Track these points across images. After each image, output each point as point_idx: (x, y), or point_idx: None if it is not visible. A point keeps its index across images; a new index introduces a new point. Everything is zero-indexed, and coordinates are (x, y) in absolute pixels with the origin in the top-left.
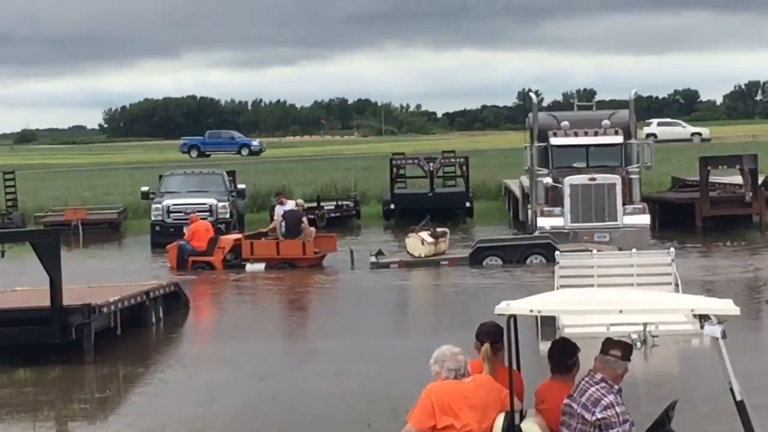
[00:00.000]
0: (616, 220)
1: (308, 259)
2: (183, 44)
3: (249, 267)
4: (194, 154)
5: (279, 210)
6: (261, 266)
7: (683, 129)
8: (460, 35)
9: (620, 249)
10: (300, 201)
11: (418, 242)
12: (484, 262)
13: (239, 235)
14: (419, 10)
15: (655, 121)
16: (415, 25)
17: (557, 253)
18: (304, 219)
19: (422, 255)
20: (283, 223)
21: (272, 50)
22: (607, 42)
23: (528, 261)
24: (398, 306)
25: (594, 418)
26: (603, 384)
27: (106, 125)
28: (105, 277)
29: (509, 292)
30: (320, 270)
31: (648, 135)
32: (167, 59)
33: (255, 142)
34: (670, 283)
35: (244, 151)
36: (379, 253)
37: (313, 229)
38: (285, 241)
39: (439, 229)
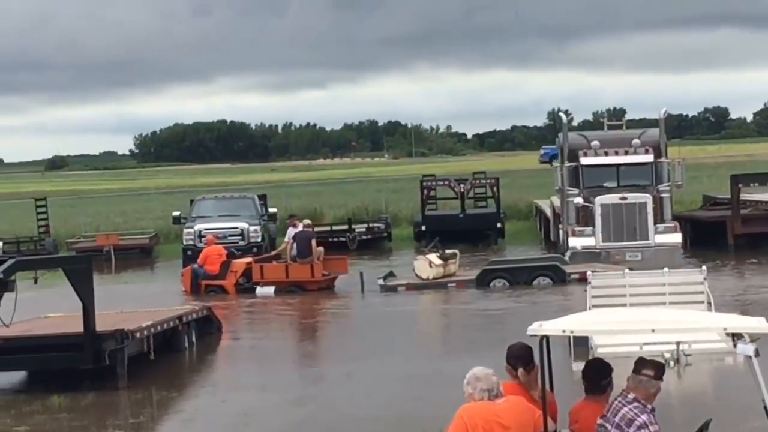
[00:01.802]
0: (647, 239)
1: (317, 282)
2: (215, 69)
3: (259, 291)
4: (555, 163)
5: (291, 232)
6: (270, 290)
7: None
8: (490, 56)
9: (631, 269)
10: (307, 221)
11: (426, 264)
12: (491, 284)
13: (251, 259)
14: (450, 32)
15: None
16: (445, 47)
17: (589, 272)
18: (313, 241)
19: (430, 277)
20: (295, 245)
21: (304, 73)
22: (637, 61)
23: (535, 282)
24: (421, 328)
25: None
26: (636, 403)
27: (136, 150)
28: (137, 303)
29: (526, 312)
30: (332, 294)
31: None
32: (199, 84)
33: None
34: (702, 302)
35: None
36: (390, 275)
37: (321, 249)
38: (294, 264)
39: (448, 251)
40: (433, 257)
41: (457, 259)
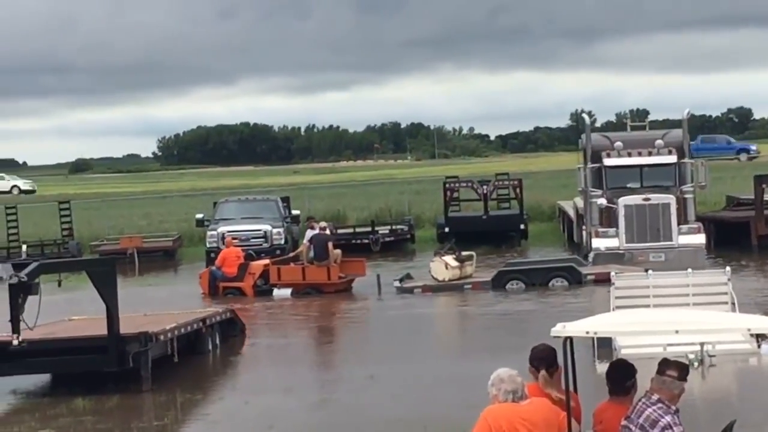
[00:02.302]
0: (671, 240)
1: (334, 284)
2: (238, 71)
3: (276, 292)
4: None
5: (309, 234)
6: (287, 292)
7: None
8: (514, 57)
9: (648, 270)
10: (324, 224)
11: (442, 266)
12: (507, 286)
13: (268, 261)
14: (473, 33)
15: None
16: (469, 48)
17: (613, 273)
18: (330, 243)
19: (446, 279)
20: (312, 247)
21: (327, 75)
22: (661, 61)
23: (550, 284)
24: (442, 330)
25: None
26: (660, 405)
27: (159, 153)
28: (161, 305)
29: (547, 314)
30: (350, 296)
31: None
32: (222, 86)
33: (753, 147)
34: (726, 303)
35: (742, 156)
36: (407, 276)
37: (339, 252)
38: (310, 267)
39: (464, 253)
40: (449, 259)
41: (474, 260)
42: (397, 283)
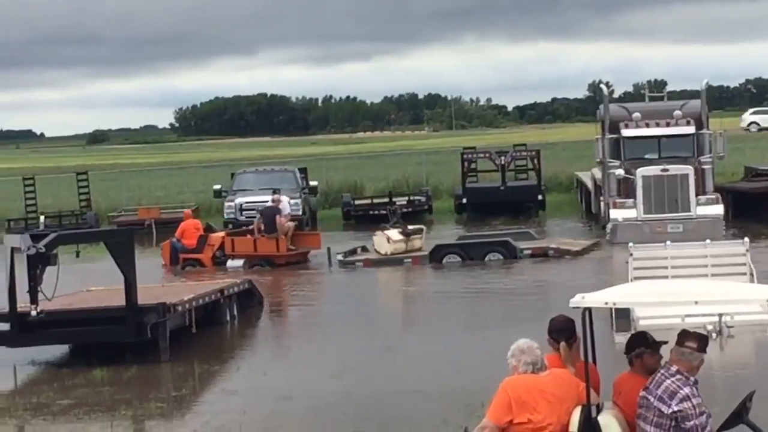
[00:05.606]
0: (689, 210)
1: (284, 256)
2: (260, 42)
3: (230, 263)
4: None
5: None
6: (240, 263)
7: None
8: (536, 27)
9: (613, 243)
10: (276, 197)
11: (384, 240)
12: (443, 260)
13: (224, 233)
14: (497, 4)
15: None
16: (492, 18)
17: (630, 244)
18: (278, 216)
19: (388, 253)
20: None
21: (349, 46)
22: (680, 32)
23: (486, 259)
24: (457, 302)
25: (670, 410)
26: (679, 376)
27: (177, 124)
28: (179, 276)
29: (538, 286)
30: (301, 268)
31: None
32: (243, 57)
33: None
34: (744, 273)
35: None
36: (363, 249)
37: (291, 224)
38: (261, 239)
39: (411, 227)
40: (393, 233)
41: (423, 234)
42: (340, 257)
